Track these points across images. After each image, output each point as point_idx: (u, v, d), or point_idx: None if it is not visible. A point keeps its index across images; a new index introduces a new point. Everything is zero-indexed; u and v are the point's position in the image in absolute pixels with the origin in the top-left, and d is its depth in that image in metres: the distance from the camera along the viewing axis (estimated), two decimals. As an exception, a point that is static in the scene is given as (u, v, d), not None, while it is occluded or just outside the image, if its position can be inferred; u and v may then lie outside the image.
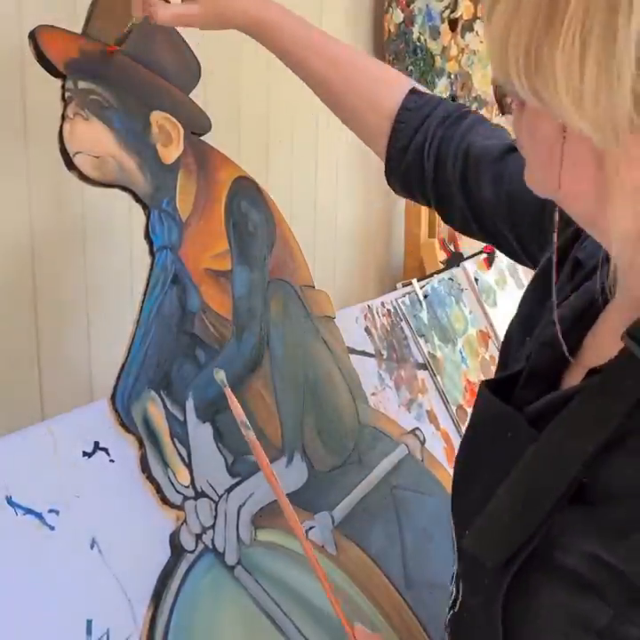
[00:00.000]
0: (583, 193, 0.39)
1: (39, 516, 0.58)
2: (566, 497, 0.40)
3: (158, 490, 0.66)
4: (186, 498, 0.68)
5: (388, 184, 0.71)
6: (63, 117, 0.65)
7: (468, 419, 0.53)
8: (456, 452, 0.56)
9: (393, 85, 0.67)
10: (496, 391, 0.49)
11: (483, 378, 1.24)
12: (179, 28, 0.76)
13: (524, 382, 0.48)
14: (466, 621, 0.49)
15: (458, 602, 0.51)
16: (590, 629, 0.39)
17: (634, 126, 0.34)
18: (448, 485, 0.97)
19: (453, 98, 1.52)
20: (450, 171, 0.63)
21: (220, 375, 0.64)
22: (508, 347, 0.55)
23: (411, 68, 1.39)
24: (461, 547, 0.49)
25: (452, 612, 0.52)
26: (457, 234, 1.73)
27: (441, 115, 0.65)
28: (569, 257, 0.51)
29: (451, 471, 1.00)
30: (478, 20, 1.49)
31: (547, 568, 0.41)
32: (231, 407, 0.63)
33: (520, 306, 0.56)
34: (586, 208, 0.40)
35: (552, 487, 0.41)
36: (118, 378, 0.66)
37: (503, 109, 0.41)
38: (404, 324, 1.10)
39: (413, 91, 0.67)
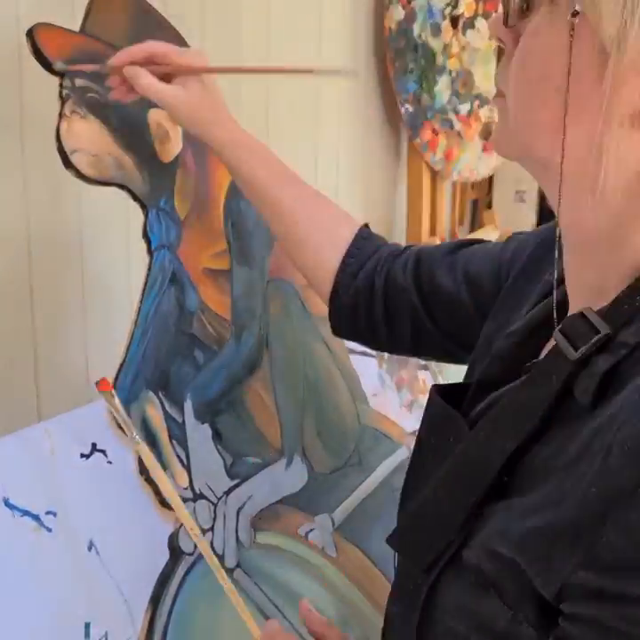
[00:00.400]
0: (574, 114, 0.36)
1: (36, 517, 0.58)
2: (490, 496, 0.40)
3: (156, 492, 0.66)
4: (184, 500, 0.67)
5: (331, 322, 0.68)
6: (60, 115, 0.65)
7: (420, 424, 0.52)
8: None
9: (350, 224, 0.68)
10: (448, 399, 0.48)
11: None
12: (178, 27, 0.75)
13: (472, 392, 0.48)
14: (390, 628, 0.48)
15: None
16: (490, 632, 0.38)
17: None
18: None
19: (456, 96, 1.51)
20: (400, 281, 0.64)
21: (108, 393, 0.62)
22: (473, 360, 0.55)
23: (411, 65, 1.39)
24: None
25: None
26: (458, 233, 1.72)
27: (392, 246, 0.67)
28: (538, 280, 0.52)
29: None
30: (480, 17, 1.49)
31: (456, 567, 0.41)
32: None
33: (483, 333, 0.55)
34: (567, 141, 0.37)
35: (474, 487, 0.40)
36: (116, 378, 0.66)
37: (506, 20, 0.40)
38: (405, 323, 1.10)
39: (367, 225, 0.69)
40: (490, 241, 0.64)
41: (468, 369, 0.55)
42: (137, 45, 0.64)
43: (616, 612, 0.32)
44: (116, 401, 0.61)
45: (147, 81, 0.63)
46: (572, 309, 0.44)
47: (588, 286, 0.42)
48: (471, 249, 0.63)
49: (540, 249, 0.53)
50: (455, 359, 0.65)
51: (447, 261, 0.62)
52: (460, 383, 0.50)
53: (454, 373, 1.21)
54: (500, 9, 0.41)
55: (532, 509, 0.37)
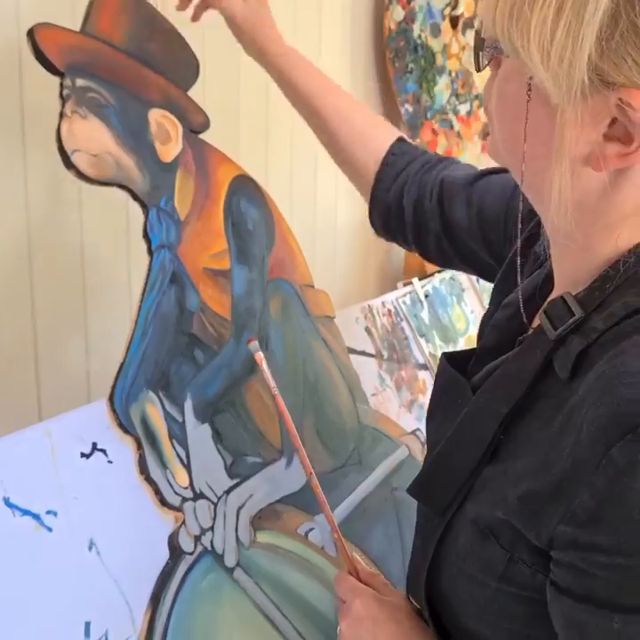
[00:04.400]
0: (538, 153, 0.43)
1: (37, 517, 0.58)
2: (488, 453, 0.46)
3: (157, 491, 0.66)
4: (184, 499, 0.67)
5: (371, 222, 0.78)
6: (61, 115, 0.65)
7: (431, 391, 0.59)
8: None
9: (385, 133, 0.76)
10: (456, 366, 0.55)
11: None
12: (178, 27, 0.75)
13: (475, 359, 0.55)
14: (412, 563, 0.57)
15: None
16: (494, 574, 0.45)
17: (585, 89, 0.39)
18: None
19: (456, 96, 1.52)
20: (427, 204, 0.71)
21: (254, 345, 0.68)
22: (480, 336, 0.61)
23: (411, 65, 1.39)
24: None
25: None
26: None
27: (422, 161, 0.73)
28: (531, 253, 0.57)
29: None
30: (479, 18, 1.49)
31: (463, 518, 0.47)
32: (261, 372, 0.67)
33: (490, 300, 0.62)
34: (537, 171, 0.44)
35: (476, 445, 0.47)
36: (116, 378, 0.66)
37: (478, 65, 0.46)
38: (404, 323, 1.10)
39: (400, 139, 0.76)
40: (507, 172, 0.69)
41: (479, 331, 0.61)
42: None
43: (586, 557, 0.39)
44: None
45: None
46: (556, 291, 0.49)
47: (565, 275, 0.48)
48: (489, 182, 0.68)
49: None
50: (474, 272, 0.74)
51: (465, 194, 0.69)
52: (466, 350, 0.57)
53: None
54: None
55: (523, 476, 0.43)
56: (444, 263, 0.75)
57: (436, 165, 0.73)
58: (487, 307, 0.62)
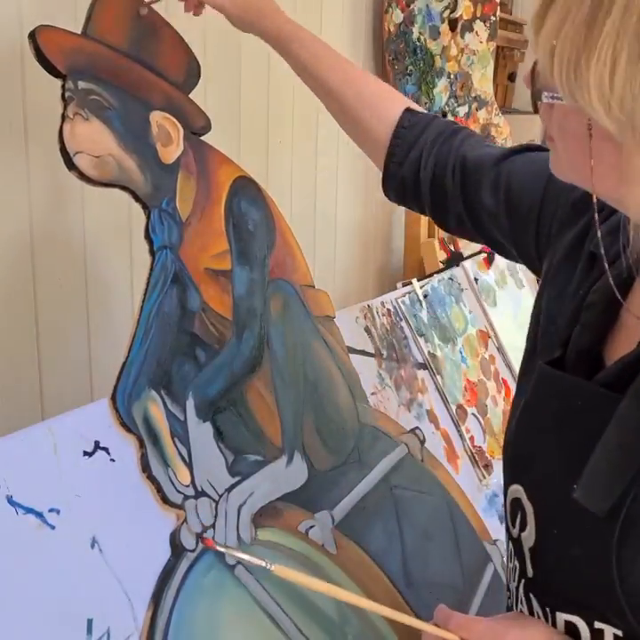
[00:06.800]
0: (608, 176, 0.45)
1: (40, 515, 0.58)
2: None
3: (159, 489, 0.66)
4: (186, 497, 0.68)
5: (384, 192, 0.78)
6: (63, 117, 0.65)
7: (526, 397, 0.57)
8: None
9: (394, 103, 0.75)
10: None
11: (482, 377, 1.24)
12: (179, 30, 0.76)
13: (573, 362, 0.54)
14: (564, 573, 0.53)
15: (528, 570, 0.56)
16: None
17: None
18: (448, 485, 0.97)
19: (455, 98, 1.52)
20: (448, 182, 0.70)
21: (217, 544, 0.65)
22: (534, 337, 0.60)
23: (410, 67, 1.39)
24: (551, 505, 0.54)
25: (524, 579, 0.56)
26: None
27: (434, 132, 0.72)
28: (583, 251, 0.57)
29: (450, 470, 1.00)
30: (478, 20, 1.49)
31: (637, 509, 0.47)
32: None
33: (537, 302, 0.61)
34: (611, 188, 0.46)
35: None
36: (119, 377, 0.66)
37: (535, 106, 0.47)
38: (403, 323, 1.10)
39: (408, 109, 0.74)
40: (538, 149, 0.67)
41: (531, 334, 0.61)
42: None
43: None
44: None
45: None
46: None
47: None
48: (518, 163, 0.67)
49: (582, 203, 0.58)
50: (493, 249, 0.73)
51: (492, 176, 0.67)
52: (554, 357, 0.56)
53: (452, 372, 1.22)
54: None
55: None
56: (463, 236, 0.75)
57: (451, 137, 0.71)
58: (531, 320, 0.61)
